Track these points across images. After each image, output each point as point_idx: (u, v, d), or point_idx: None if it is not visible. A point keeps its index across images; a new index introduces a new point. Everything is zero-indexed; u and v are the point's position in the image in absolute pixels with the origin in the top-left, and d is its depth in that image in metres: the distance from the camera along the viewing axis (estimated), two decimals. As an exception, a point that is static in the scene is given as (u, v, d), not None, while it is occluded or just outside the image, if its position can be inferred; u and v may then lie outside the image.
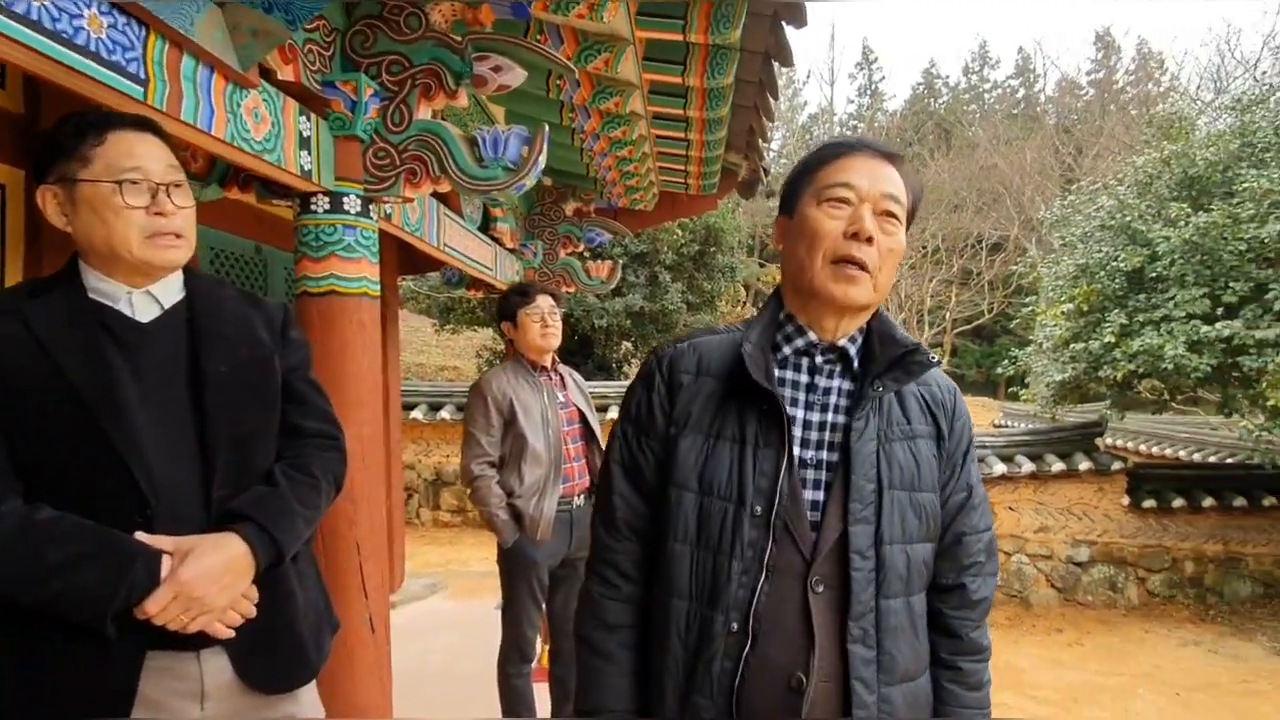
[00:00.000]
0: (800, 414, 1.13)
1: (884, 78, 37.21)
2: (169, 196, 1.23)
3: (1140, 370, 5.86)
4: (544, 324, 2.87)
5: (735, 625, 1.07)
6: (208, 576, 1.16)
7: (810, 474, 1.11)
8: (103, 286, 1.24)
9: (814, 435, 1.13)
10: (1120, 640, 6.10)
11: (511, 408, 2.80)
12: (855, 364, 1.16)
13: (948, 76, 36.22)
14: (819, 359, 1.15)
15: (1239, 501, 6.64)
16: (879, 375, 1.13)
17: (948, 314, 16.04)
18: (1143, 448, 9.48)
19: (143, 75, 1.33)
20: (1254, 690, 5.14)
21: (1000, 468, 6.70)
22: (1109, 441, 7.52)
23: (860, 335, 1.17)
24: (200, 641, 1.21)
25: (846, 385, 1.15)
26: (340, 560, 2.02)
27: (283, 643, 1.32)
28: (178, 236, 1.25)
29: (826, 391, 1.14)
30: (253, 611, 1.24)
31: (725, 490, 1.10)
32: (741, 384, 1.11)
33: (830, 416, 1.13)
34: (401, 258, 4.57)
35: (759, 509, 1.08)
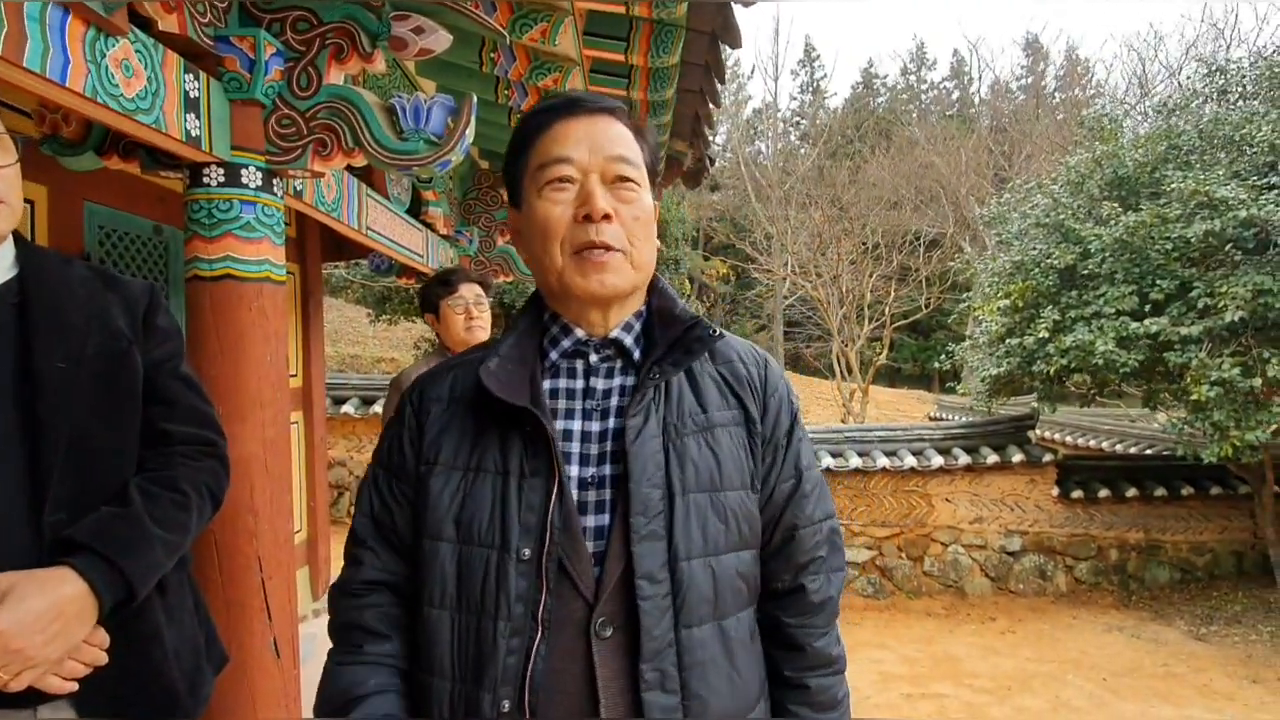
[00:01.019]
0: (577, 426, 0.95)
1: (826, 75, 37.76)
2: None
3: (1072, 365, 6.00)
4: (468, 315, 2.61)
5: (507, 704, 0.86)
6: (30, 624, 0.94)
7: (591, 496, 0.92)
8: None
9: (594, 449, 0.94)
10: (1050, 627, 6.28)
11: None
12: (636, 355, 0.99)
13: (886, 76, 37.02)
14: (593, 358, 0.98)
15: (1159, 491, 6.93)
16: (657, 360, 0.96)
17: (887, 309, 16.33)
18: (1069, 439, 9.82)
19: (-36, 7, 1.10)
20: (1173, 673, 5.34)
21: (938, 460, 6.81)
22: (1039, 434, 7.74)
23: (638, 321, 1.01)
24: (36, 696, 1.00)
25: (630, 382, 0.98)
26: (239, 579, 1.80)
27: (147, 690, 1.10)
28: None
29: (606, 394, 0.97)
30: (101, 659, 1.03)
31: (486, 534, 0.90)
32: (496, 404, 0.91)
33: (612, 423, 0.95)
34: (326, 242, 4.29)
35: (526, 552, 0.88)
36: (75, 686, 1.01)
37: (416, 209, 3.68)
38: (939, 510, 6.96)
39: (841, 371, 15.90)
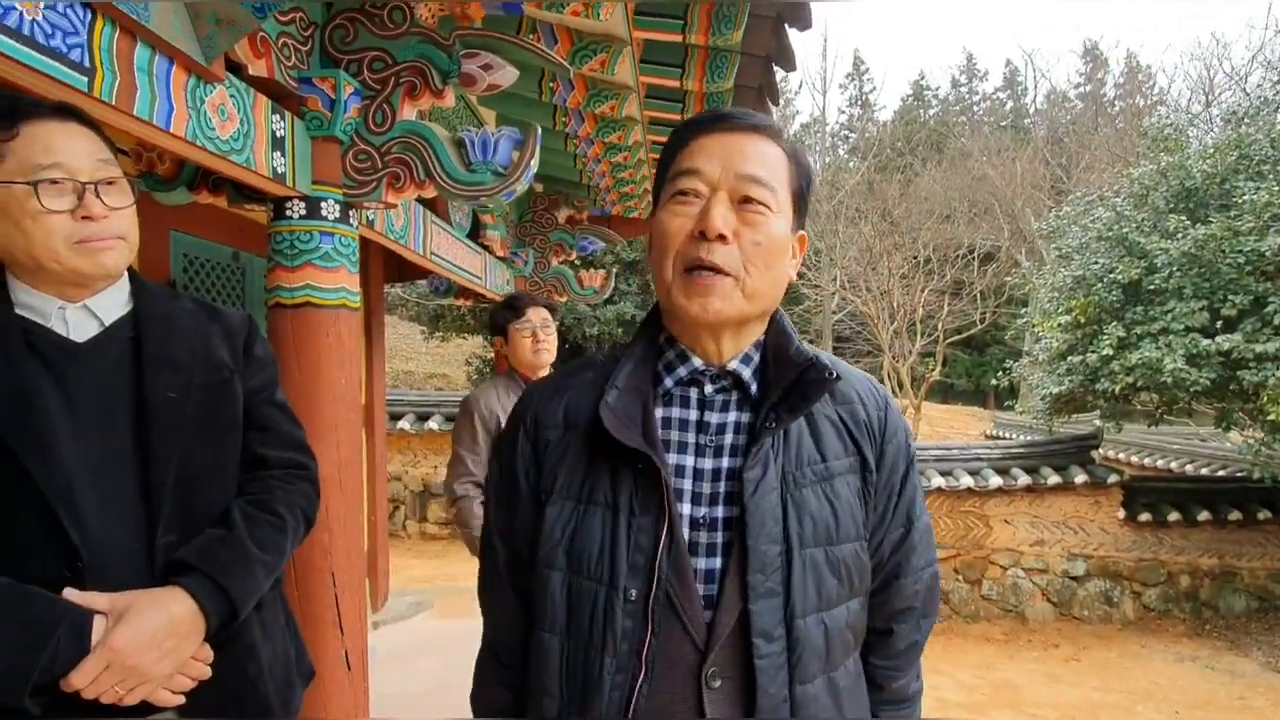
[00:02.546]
0: (690, 462, 0.92)
1: (874, 89, 37.42)
2: (99, 197, 1.07)
3: (1138, 383, 5.79)
4: (535, 339, 2.71)
5: None
6: (146, 641, 1.00)
7: (704, 537, 0.90)
8: (31, 301, 1.09)
9: (707, 488, 0.91)
10: (1117, 655, 6.03)
11: (499, 426, 2.68)
12: (753, 390, 0.95)
13: (937, 88, 36.50)
14: (709, 389, 0.95)
15: (1234, 515, 6.60)
16: (774, 405, 0.92)
17: (939, 324, 15.99)
18: (1134, 459, 9.45)
19: (88, 64, 1.19)
20: (1250, 707, 5.08)
21: (996, 480, 6.63)
22: (1103, 454, 7.46)
23: (757, 353, 0.96)
24: (145, 710, 1.06)
25: (745, 418, 0.94)
26: (314, 593, 1.87)
27: (243, 703, 1.17)
28: (115, 239, 1.10)
29: (720, 429, 0.93)
30: (206, 673, 1.09)
31: (595, 568, 0.90)
32: (611, 437, 0.89)
33: (726, 462, 0.92)
34: (388, 265, 4.44)
35: (633, 592, 0.88)
36: (182, 700, 1.08)
37: (475, 232, 3.79)
38: (997, 532, 6.76)
39: (893, 388, 15.60)
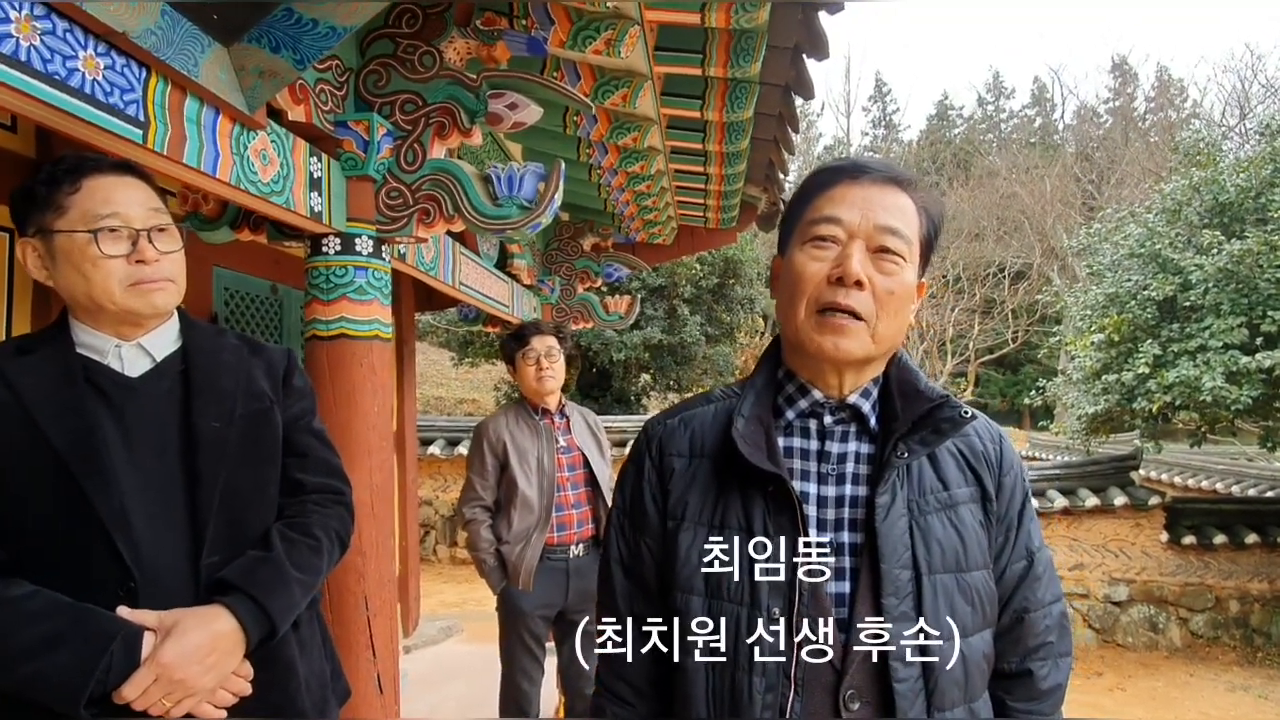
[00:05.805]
0: (813, 489, 0.96)
1: (898, 109, 37.38)
2: (151, 242, 1.16)
3: (1177, 402, 5.68)
4: (539, 367, 2.76)
5: None
6: (190, 656, 1.06)
7: (830, 561, 0.93)
8: (90, 340, 1.17)
9: (830, 514, 0.95)
10: (1164, 684, 5.83)
11: (505, 451, 2.73)
12: (872, 422, 0.98)
13: (962, 107, 36.28)
14: (828, 420, 0.98)
15: (1284, 538, 6.38)
16: (903, 437, 0.94)
17: (970, 343, 15.79)
18: (1178, 480, 9.19)
19: (142, 118, 1.28)
20: (1311, 741, 4.88)
21: (1032, 502, 6.49)
22: (1144, 474, 7.27)
23: (875, 387, 1.00)
24: None
25: (865, 449, 0.97)
26: (347, 616, 1.92)
27: (282, 718, 1.22)
28: (165, 280, 1.18)
29: (841, 459, 0.97)
30: (247, 689, 1.14)
31: (735, 592, 0.93)
32: (741, 463, 0.94)
33: (849, 489, 0.95)
34: (419, 294, 4.55)
35: (776, 610, 0.91)
36: (224, 715, 1.12)
37: (502, 261, 3.88)
38: (1035, 556, 6.62)
39: (924, 409, 15.35)
